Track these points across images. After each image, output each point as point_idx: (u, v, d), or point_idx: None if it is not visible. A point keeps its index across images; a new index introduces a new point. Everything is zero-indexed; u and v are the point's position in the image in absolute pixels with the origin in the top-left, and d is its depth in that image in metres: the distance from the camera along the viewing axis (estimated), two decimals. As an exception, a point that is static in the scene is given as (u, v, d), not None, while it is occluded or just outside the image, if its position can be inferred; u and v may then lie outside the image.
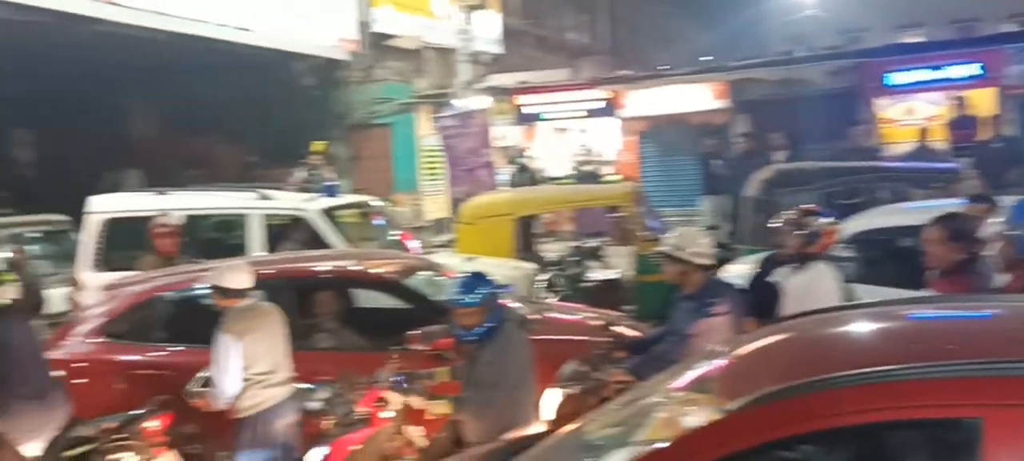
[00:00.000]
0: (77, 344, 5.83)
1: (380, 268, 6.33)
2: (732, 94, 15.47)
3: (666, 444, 2.65)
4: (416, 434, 4.48)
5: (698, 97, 15.80)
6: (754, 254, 7.27)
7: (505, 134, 15.69)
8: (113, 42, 11.56)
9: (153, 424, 4.87)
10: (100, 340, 5.79)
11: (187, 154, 13.41)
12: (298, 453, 4.89)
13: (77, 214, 10.26)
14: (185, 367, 5.12)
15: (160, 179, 10.71)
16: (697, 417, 2.71)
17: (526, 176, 13.24)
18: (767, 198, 8.65)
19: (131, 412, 4.85)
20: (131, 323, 5.89)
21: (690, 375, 3.15)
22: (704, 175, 13.73)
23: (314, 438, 4.84)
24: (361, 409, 4.38)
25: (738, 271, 6.81)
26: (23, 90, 14.53)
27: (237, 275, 4.88)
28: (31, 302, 8.34)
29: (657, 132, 16.31)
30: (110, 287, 6.24)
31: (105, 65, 13.21)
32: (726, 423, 2.54)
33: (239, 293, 4.79)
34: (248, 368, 4.67)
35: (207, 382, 4.86)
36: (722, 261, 6.11)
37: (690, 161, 14.84)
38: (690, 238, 4.70)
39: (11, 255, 8.89)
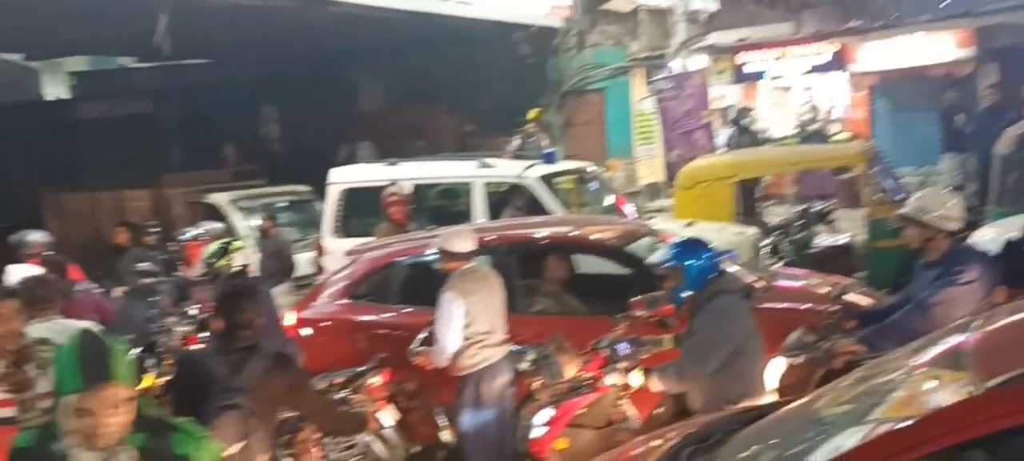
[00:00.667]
0: (324, 305, 6.35)
1: (601, 234, 6.38)
2: (978, 42, 14.07)
3: (909, 423, 2.50)
4: (630, 406, 4.52)
5: (939, 47, 14.51)
6: (1005, 217, 6.63)
7: (724, 94, 15.22)
8: (345, 22, 12.38)
9: (375, 380, 5.25)
10: (344, 301, 6.27)
11: (412, 126, 14.11)
12: (515, 412, 5.09)
13: (317, 184, 11.14)
14: (417, 327, 5.41)
15: (390, 150, 11.38)
16: (946, 394, 2.53)
17: (746, 137, 12.78)
18: (1021, 155, 7.83)
19: (356, 368, 5.27)
20: (371, 286, 6.32)
21: (936, 349, 2.95)
22: (945, 131, 12.69)
23: (524, 398, 5.05)
24: (585, 374, 4.45)
25: (987, 236, 6.26)
26: (269, 72, 15.94)
27: (462, 239, 5.10)
28: (281, 266, 9.19)
29: (891, 86, 15.17)
30: (351, 252, 6.73)
31: (338, 44, 14.17)
32: (982, 401, 2.36)
33: (463, 256, 4.99)
34: (469, 327, 4.86)
35: (426, 341, 5.10)
36: (969, 225, 5.63)
37: (928, 116, 13.72)
38: (936, 200, 4.35)
39: (262, 224, 9.84)
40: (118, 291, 8.11)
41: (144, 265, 7.88)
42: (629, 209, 9.25)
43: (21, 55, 19.78)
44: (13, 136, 15.84)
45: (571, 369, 4.48)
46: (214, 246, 6.19)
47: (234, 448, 3.43)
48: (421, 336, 5.18)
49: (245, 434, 3.52)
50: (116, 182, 12.76)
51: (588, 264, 6.34)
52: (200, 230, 7.25)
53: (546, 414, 4.44)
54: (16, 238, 7.17)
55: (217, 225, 8.52)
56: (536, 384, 4.62)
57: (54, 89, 20.88)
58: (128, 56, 20.31)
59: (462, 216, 8.33)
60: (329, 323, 6.23)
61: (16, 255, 7.24)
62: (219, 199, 10.77)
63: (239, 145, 14.83)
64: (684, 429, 3.69)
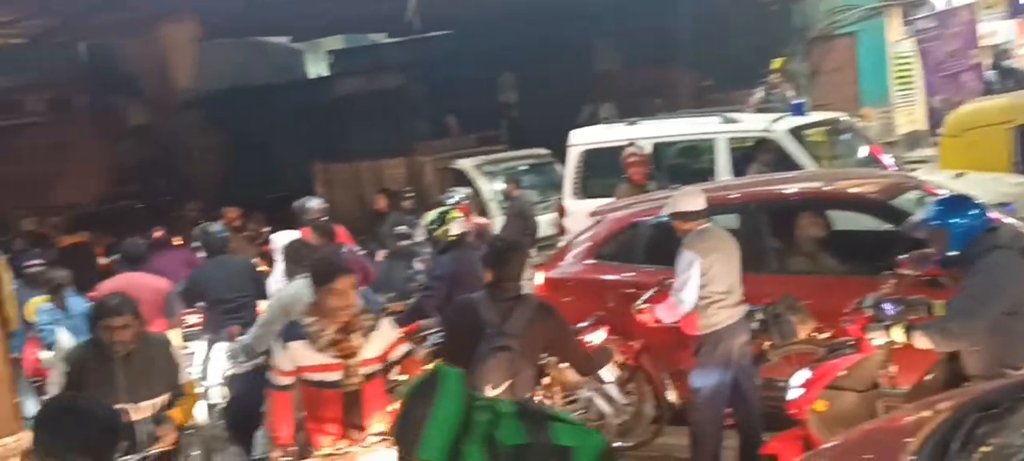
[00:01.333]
0: (570, 265, 6.47)
1: (861, 188, 6.00)
2: None
3: None
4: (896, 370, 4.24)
5: None
6: None
7: (995, 30, 13.70)
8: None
9: (596, 336, 5.27)
10: (590, 261, 6.35)
11: (649, 84, 13.96)
12: (755, 373, 4.97)
13: (556, 148, 11.34)
14: (659, 285, 5.39)
15: (627, 111, 11.35)
16: None
17: (1010, 80, 11.44)
18: None
19: (577, 325, 5.32)
20: (616, 245, 6.35)
21: None
22: None
23: (756, 359, 4.92)
24: (848, 336, 4.23)
25: None
26: (508, 40, 16.37)
27: (692, 199, 4.99)
28: (524, 227, 9.47)
29: None
30: (595, 213, 6.80)
31: (573, 8, 14.27)
32: None
33: (696, 215, 4.89)
34: (706, 287, 4.76)
35: (651, 300, 5.07)
36: None
37: None
38: None
39: (506, 187, 10.19)
40: (380, 254, 8.72)
41: (402, 229, 8.40)
42: (887, 160, 8.61)
43: (288, 38, 21.77)
44: (284, 113, 17.52)
45: (803, 329, 4.31)
46: (433, 214, 6.52)
47: (502, 386, 3.91)
48: (646, 294, 5.16)
49: (513, 373, 3.99)
50: (373, 152, 13.73)
51: (846, 221, 5.98)
52: (461, 195, 7.64)
53: (803, 375, 4.27)
54: (298, 204, 7.92)
55: (465, 190, 8.94)
56: (766, 344, 4.46)
57: (316, 68, 22.79)
58: (379, 33, 21.75)
59: (704, 174, 8.14)
60: (575, 283, 6.34)
61: (295, 221, 8.05)
62: (465, 165, 11.27)
63: (479, 112, 15.40)
64: (959, 397, 3.41)
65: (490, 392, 3.92)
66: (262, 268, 7.55)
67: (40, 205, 18.01)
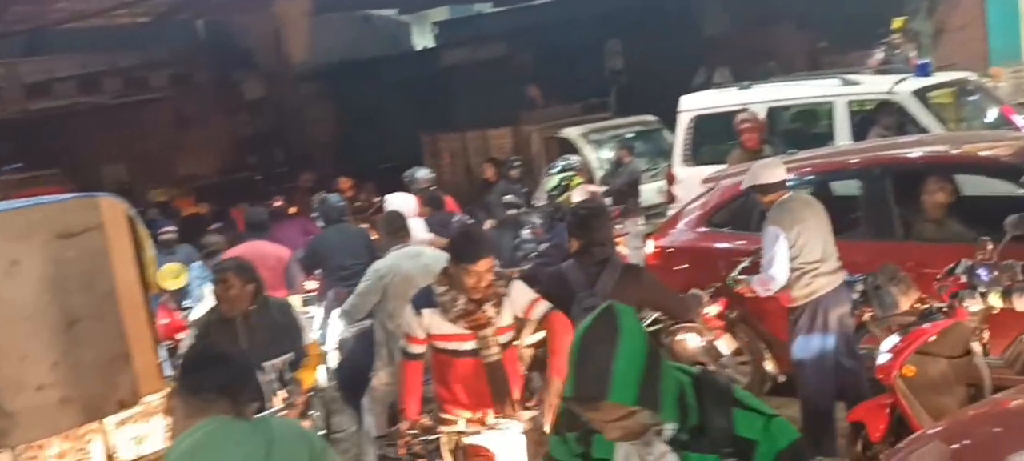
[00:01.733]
0: (681, 233, 6.39)
1: (991, 151, 5.69)
2: None
3: None
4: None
5: None
6: None
7: None
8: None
9: (712, 309, 5.19)
10: (702, 229, 6.25)
11: (760, 47, 13.55)
12: (855, 341, 4.84)
13: (663, 114, 11.16)
14: (753, 256, 5.27)
15: (740, 74, 11.05)
16: None
17: None
18: None
19: (690, 292, 5.27)
20: (728, 213, 6.23)
21: None
22: None
23: (857, 329, 4.79)
24: (943, 301, 4.08)
25: None
26: (613, 6, 16.15)
27: (771, 170, 4.91)
28: (632, 195, 9.40)
29: None
30: (708, 180, 6.68)
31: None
32: None
33: (777, 187, 4.81)
34: (797, 258, 4.69)
35: (747, 270, 5.02)
36: None
37: None
38: None
39: (616, 154, 10.10)
40: (488, 223, 8.82)
41: (509, 198, 8.47)
42: (1020, 122, 8.12)
43: (395, 11, 22.09)
44: (392, 85, 17.83)
45: (906, 301, 4.16)
46: (554, 180, 6.51)
47: None
48: (742, 264, 5.11)
49: None
50: (479, 122, 13.83)
51: (975, 186, 5.69)
52: (576, 162, 7.66)
53: (892, 341, 4.17)
54: (408, 175, 8.09)
55: (574, 158, 8.91)
56: (866, 315, 4.35)
57: (422, 40, 23.08)
58: (484, 2, 21.82)
59: (821, 139, 7.87)
60: (686, 251, 6.26)
61: (406, 189, 8.24)
62: (572, 133, 11.24)
63: (585, 80, 15.30)
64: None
65: None
66: (375, 236, 7.77)
67: (165, 177, 18.94)
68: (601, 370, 1.87)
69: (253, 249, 6.48)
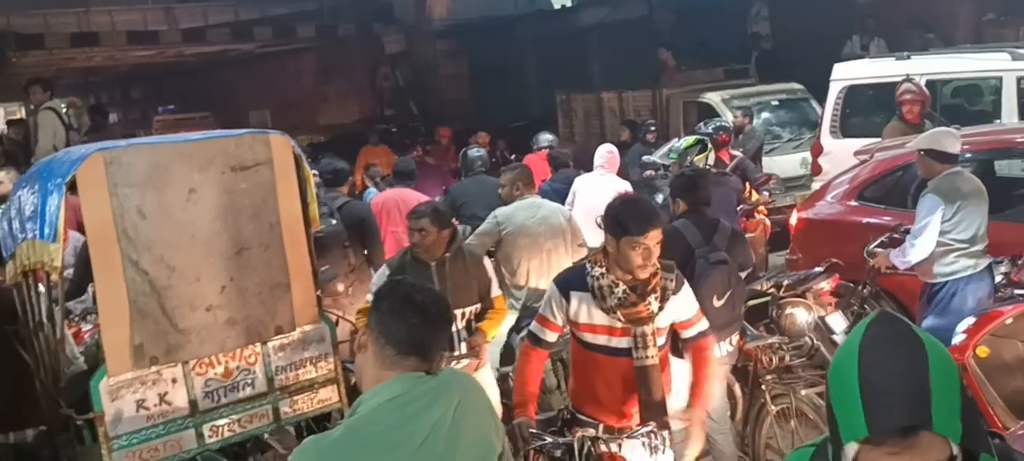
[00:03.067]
0: (828, 205, 6.18)
1: None
2: None
3: None
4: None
5: None
6: None
7: None
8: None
9: (825, 284, 5.02)
10: (851, 203, 6.03)
11: (918, 16, 12.80)
12: None
13: (808, 82, 10.74)
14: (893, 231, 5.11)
15: (894, 44, 10.51)
16: None
17: None
18: None
19: (808, 271, 5.10)
20: (881, 188, 5.99)
21: None
22: None
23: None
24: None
25: None
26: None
27: (952, 140, 4.69)
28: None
29: None
30: (861, 153, 6.42)
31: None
32: None
33: (950, 158, 4.63)
34: (947, 234, 4.54)
35: (884, 245, 4.96)
36: None
37: None
38: None
39: (735, 120, 9.72)
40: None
41: (648, 158, 8.39)
42: None
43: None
44: (529, 43, 17.85)
45: None
46: (690, 139, 6.42)
47: (724, 298, 4.05)
48: (881, 238, 5.05)
49: (731, 286, 4.12)
50: (617, 83, 13.69)
51: None
52: (719, 124, 7.50)
53: (967, 322, 4.04)
54: (536, 138, 8.24)
55: (716, 122, 8.73)
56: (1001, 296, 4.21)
57: (560, -1, 22.94)
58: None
59: (985, 115, 7.45)
60: (834, 224, 6.07)
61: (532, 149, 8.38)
62: (714, 98, 10.98)
63: (727, 44, 14.87)
64: None
65: (716, 303, 4.00)
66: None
67: (307, 124, 19.67)
68: (915, 391, 1.36)
69: (399, 195, 6.69)
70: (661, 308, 3.22)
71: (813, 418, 4.16)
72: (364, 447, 2.05)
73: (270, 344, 3.91)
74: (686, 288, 3.37)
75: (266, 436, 3.94)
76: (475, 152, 7.62)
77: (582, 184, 6.78)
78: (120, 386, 3.57)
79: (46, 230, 3.57)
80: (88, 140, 7.74)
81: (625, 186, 6.50)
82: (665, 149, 7.51)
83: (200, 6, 19.74)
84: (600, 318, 3.22)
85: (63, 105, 9.37)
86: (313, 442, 2.13)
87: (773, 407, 4.26)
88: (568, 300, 3.26)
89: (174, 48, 19.75)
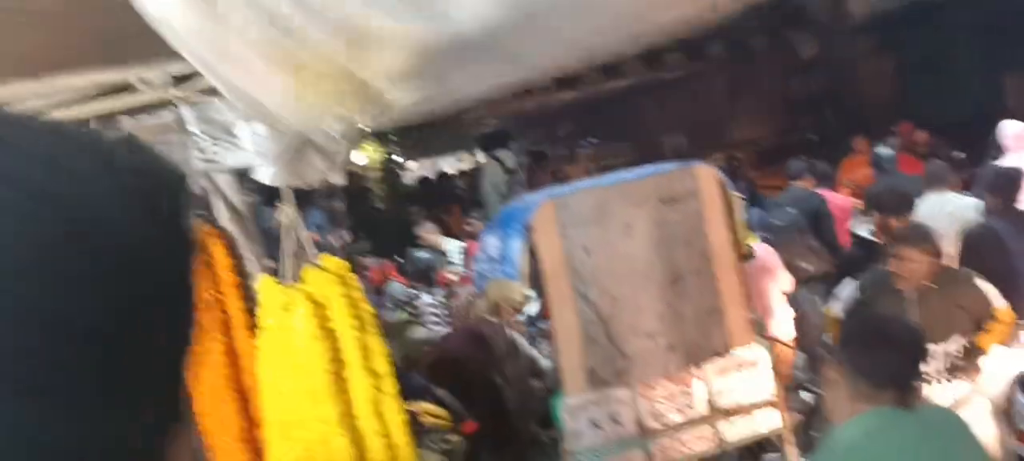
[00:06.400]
0: None
1: None
2: None
3: None
4: None
5: None
6: None
7: None
8: None
9: None
10: None
11: None
12: None
13: None
14: None
15: None
16: None
17: None
18: None
19: None
20: None
21: None
22: None
23: None
24: None
25: None
26: None
27: None
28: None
29: None
30: None
31: None
32: None
33: None
34: None
35: None
36: None
37: None
38: None
39: None
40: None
41: None
42: None
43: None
44: (962, 27, 16.05)
45: None
46: None
47: None
48: None
49: None
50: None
51: None
52: None
53: None
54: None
55: None
56: None
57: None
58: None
59: None
60: None
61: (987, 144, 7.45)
62: None
63: None
64: None
65: None
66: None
67: (721, 142, 19.75)
68: None
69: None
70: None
71: None
72: None
73: (708, 368, 4.03)
74: None
75: (710, 454, 4.06)
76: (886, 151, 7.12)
77: None
78: (576, 407, 3.95)
79: (510, 270, 4.09)
80: (527, 180, 8.65)
81: None
82: None
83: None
84: None
85: (510, 155, 10.56)
86: None
87: None
88: None
89: (594, 84, 21.12)
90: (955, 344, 3.95)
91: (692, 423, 4.01)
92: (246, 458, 2.51)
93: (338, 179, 2.30)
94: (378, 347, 2.27)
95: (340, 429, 2.18)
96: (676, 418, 3.99)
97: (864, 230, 6.54)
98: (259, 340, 2.34)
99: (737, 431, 4.05)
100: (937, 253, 3.92)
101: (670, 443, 3.99)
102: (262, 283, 2.32)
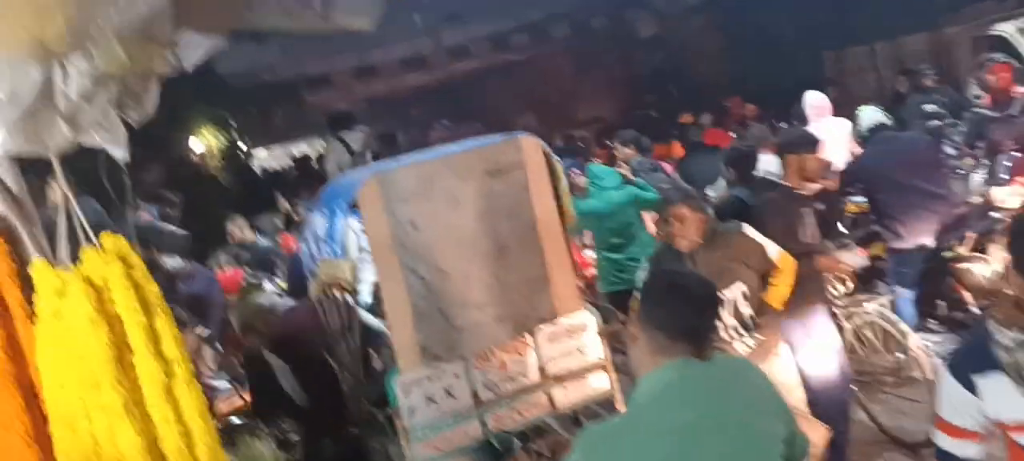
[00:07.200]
0: None
1: None
2: None
3: None
4: None
5: None
6: None
7: None
8: None
9: None
10: None
11: None
12: None
13: None
14: None
15: None
16: None
17: None
18: None
19: None
20: None
21: None
22: None
23: None
24: None
25: None
26: None
27: None
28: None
29: None
30: None
31: None
32: None
33: None
34: None
35: None
36: None
37: None
38: None
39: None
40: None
41: (929, 107, 7.69)
42: None
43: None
44: (787, 3, 16.92)
45: None
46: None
47: None
48: None
49: None
50: (890, 30, 12.64)
51: None
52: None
53: None
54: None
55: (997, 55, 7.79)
56: None
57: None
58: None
59: None
60: None
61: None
62: (1007, 29, 9.78)
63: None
64: None
65: None
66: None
67: (568, 121, 20.10)
68: None
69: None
70: None
71: None
72: (641, 431, 2.08)
73: (538, 336, 4.08)
74: None
75: (545, 419, 4.11)
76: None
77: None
78: (410, 383, 3.90)
79: (337, 248, 4.00)
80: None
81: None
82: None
83: (462, 28, 20.95)
84: None
85: (359, 135, 10.34)
86: (593, 429, 2.18)
87: None
88: (974, 391, 2.14)
89: (441, 68, 21.11)
90: (736, 291, 4.17)
91: (525, 391, 4.05)
92: (35, 457, 2.33)
93: (118, 151, 2.15)
94: (168, 330, 2.15)
95: (126, 418, 2.06)
96: (509, 387, 4.02)
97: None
98: (37, 330, 2.18)
99: (569, 396, 4.11)
100: (703, 211, 4.18)
101: (505, 412, 4.02)
102: (35, 268, 2.15)
